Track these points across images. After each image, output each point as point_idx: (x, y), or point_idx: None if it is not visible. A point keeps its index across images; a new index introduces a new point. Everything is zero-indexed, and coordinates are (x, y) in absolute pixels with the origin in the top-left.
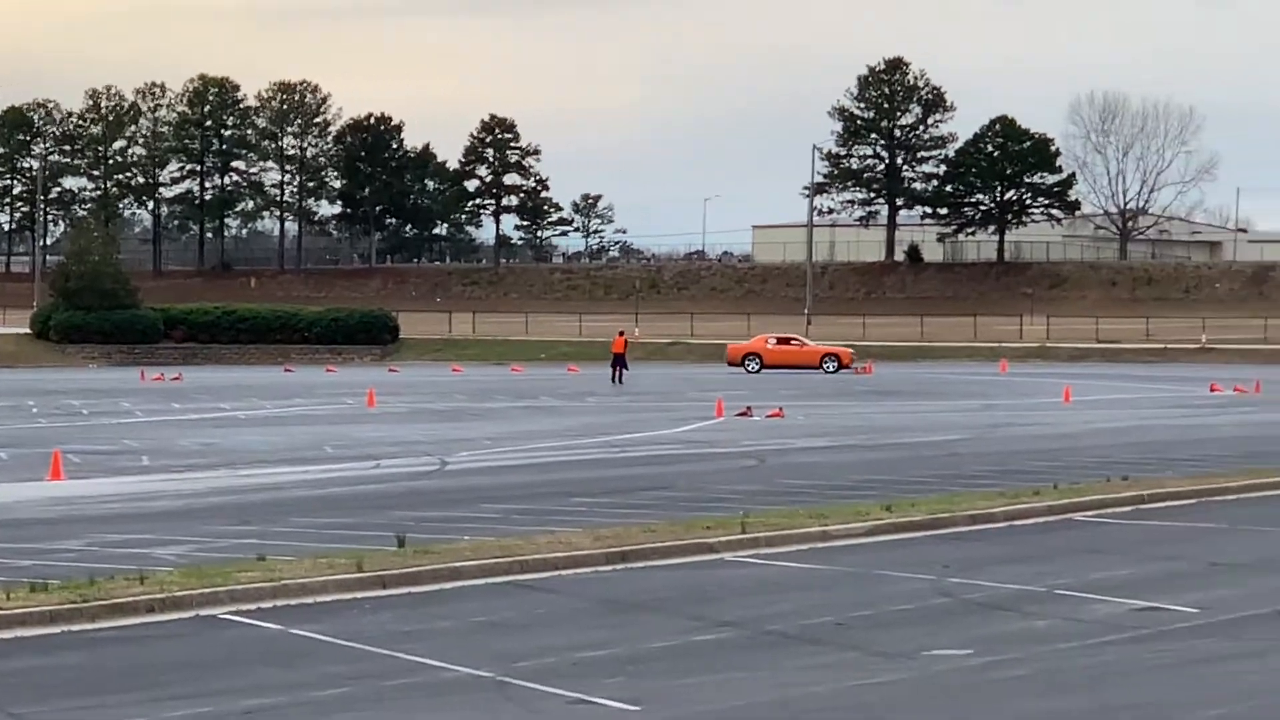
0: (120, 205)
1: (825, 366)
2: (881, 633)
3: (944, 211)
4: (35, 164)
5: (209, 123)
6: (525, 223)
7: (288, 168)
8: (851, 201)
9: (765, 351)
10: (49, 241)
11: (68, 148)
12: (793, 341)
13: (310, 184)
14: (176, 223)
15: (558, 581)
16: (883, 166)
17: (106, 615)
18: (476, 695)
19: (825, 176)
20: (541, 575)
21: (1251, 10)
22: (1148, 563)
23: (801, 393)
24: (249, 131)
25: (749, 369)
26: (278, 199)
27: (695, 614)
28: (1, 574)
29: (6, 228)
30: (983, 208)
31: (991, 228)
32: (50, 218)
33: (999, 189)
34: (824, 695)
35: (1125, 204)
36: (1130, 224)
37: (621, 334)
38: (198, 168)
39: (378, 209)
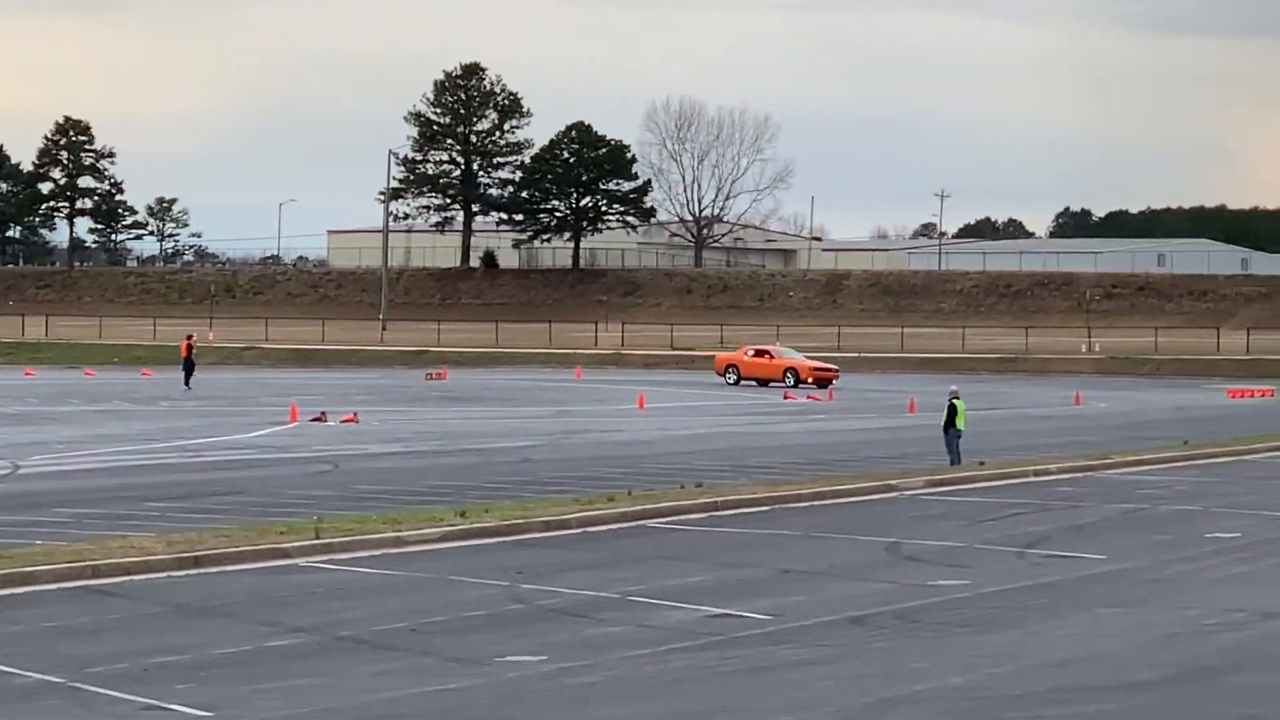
0: None
1: (786, 379)
2: (455, 638)
3: (520, 218)
4: None
5: None
6: (100, 226)
7: None
8: (428, 207)
9: (742, 363)
10: None
11: None
12: (766, 354)
13: None
14: None
15: (130, 586)
16: (459, 172)
17: None
18: (48, 700)
19: (401, 182)
20: (114, 580)
21: (822, 21)
22: (721, 569)
23: (377, 398)
24: None
25: (728, 380)
26: None
27: (268, 619)
28: None
29: None
30: (558, 214)
31: (567, 234)
32: None
33: (575, 195)
34: (397, 701)
35: (700, 211)
36: (705, 231)
37: (189, 338)
38: None
39: None
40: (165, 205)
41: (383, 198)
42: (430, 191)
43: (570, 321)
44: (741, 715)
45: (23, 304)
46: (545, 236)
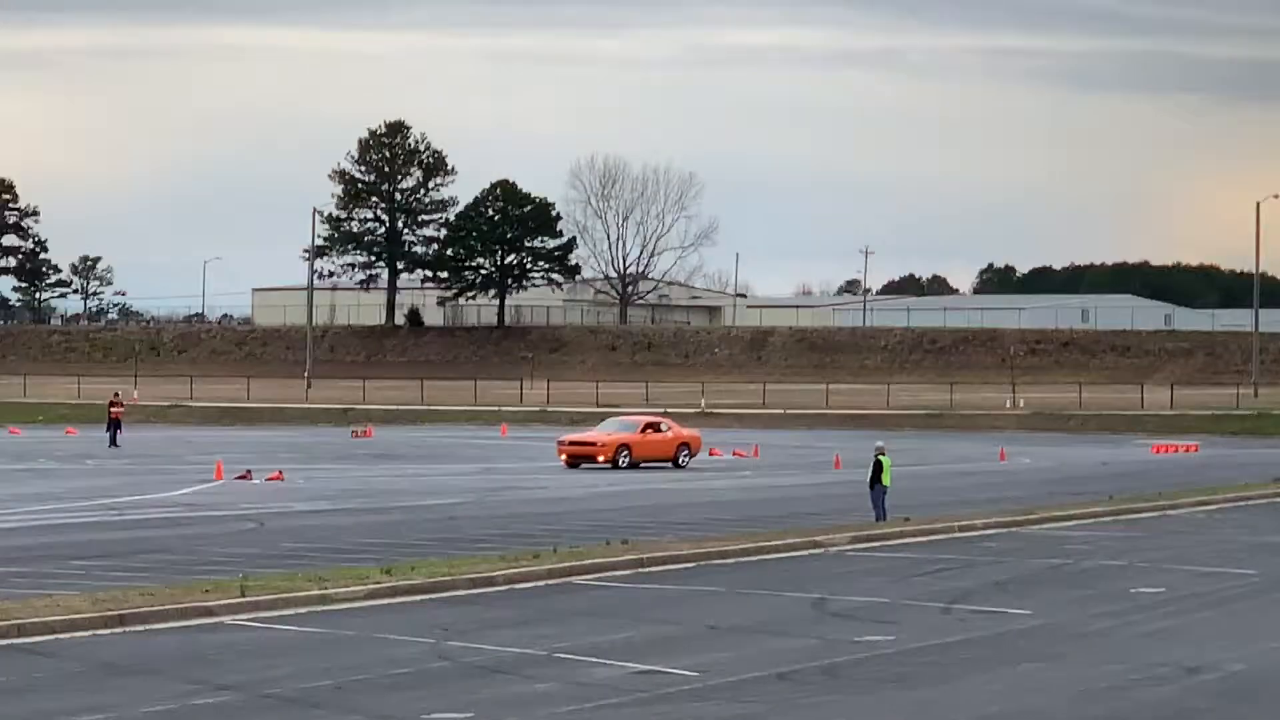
0: None
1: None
2: (381, 696)
3: (444, 275)
4: None
5: None
6: (23, 284)
7: None
8: (352, 264)
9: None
10: None
11: None
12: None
13: None
14: None
15: (56, 645)
16: (384, 229)
17: None
18: None
19: (326, 239)
20: (39, 639)
21: (744, 79)
22: (647, 626)
23: (303, 456)
24: None
25: None
26: None
27: (194, 678)
28: None
29: None
30: (483, 271)
31: (492, 291)
32: None
33: (499, 252)
34: None
35: (625, 268)
36: (630, 288)
37: (115, 396)
38: None
39: None
40: (89, 263)
41: (307, 255)
42: (355, 249)
43: (495, 379)
44: None
45: None
46: (470, 294)
